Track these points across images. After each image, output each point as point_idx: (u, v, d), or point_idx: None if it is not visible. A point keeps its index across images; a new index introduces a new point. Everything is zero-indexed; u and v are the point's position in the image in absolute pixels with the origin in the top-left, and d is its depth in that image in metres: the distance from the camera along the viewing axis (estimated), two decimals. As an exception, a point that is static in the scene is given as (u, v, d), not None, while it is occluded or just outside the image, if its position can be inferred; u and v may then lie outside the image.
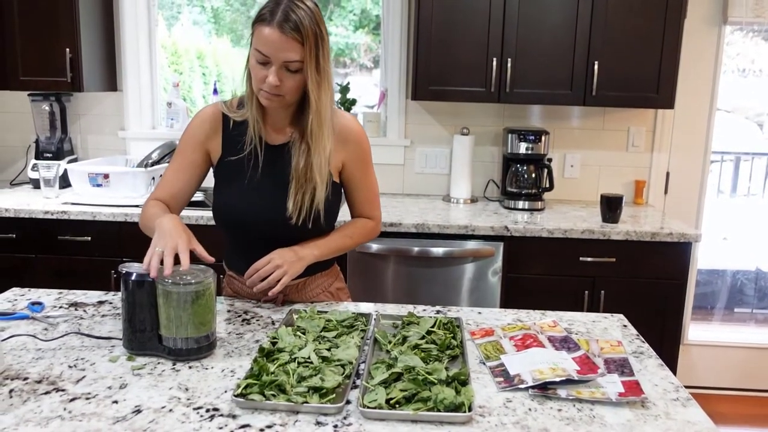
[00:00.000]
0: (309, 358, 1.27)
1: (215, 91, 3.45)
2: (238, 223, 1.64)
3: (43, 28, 2.97)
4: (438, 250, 2.68)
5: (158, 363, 1.31)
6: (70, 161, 3.21)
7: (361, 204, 1.75)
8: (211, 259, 1.40)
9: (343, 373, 1.23)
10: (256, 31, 1.47)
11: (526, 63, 2.88)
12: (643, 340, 1.52)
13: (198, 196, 2.97)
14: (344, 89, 3.28)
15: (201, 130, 1.66)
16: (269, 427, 1.07)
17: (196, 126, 1.67)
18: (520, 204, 3.03)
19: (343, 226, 1.74)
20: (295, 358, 1.27)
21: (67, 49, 2.96)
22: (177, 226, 1.41)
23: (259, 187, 1.61)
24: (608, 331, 1.56)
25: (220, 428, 1.07)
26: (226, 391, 1.19)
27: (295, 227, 1.59)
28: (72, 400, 1.15)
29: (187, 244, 1.36)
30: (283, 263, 1.54)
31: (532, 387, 1.22)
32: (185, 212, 2.60)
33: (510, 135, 3.04)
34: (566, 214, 2.94)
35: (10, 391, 1.17)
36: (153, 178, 2.90)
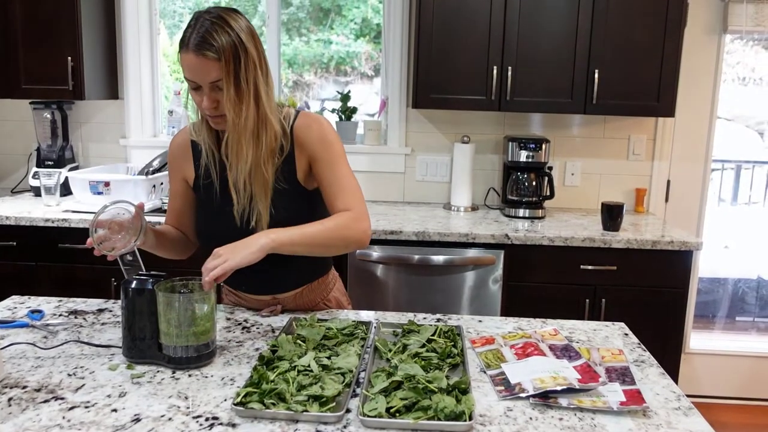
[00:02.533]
0: (309, 366, 1.27)
1: (216, 100, 3.46)
2: (213, 243, 1.62)
3: (45, 37, 2.98)
4: (438, 258, 2.67)
5: (158, 371, 1.30)
6: (71, 169, 3.21)
7: (334, 198, 1.57)
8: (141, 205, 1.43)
9: (343, 382, 1.23)
10: (180, 56, 1.45)
11: (527, 71, 2.88)
12: (645, 348, 1.51)
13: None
14: (345, 98, 3.29)
15: (175, 160, 1.69)
16: (269, 435, 1.07)
17: (171, 156, 1.70)
18: (521, 212, 3.03)
19: None
20: (294, 367, 1.26)
21: (69, 58, 2.97)
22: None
23: (225, 208, 1.58)
24: (609, 339, 1.56)
25: (220, 437, 1.06)
26: (225, 400, 1.19)
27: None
28: (71, 408, 1.14)
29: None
30: (223, 253, 1.39)
31: (533, 396, 1.21)
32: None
33: (510, 143, 3.04)
34: (567, 222, 2.94)
35: (9, 399, 1.17)
36: (154, 186, 2.90)
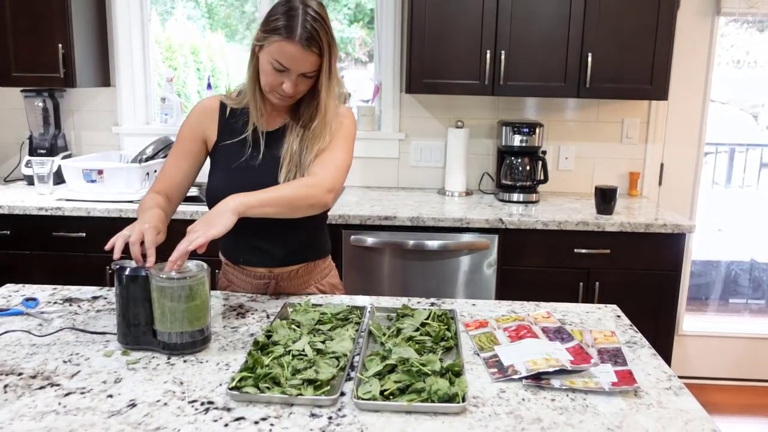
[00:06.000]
0: (303, 350, 1.28)
1: (209, 86, 3.44)
2: None
3: (36, 24, 2.95)
4: (433, 243, 2.68)
5: (153, 357, 1.31)
6: (64, 157, 3.20)
7: (316, 161, 1.61)
8: (148, 263, 1.35)
9: (338, 366, 1.23)
10: (274, 43, 1.52)
11: (520, 55, 2.88)
12: (636, 330, 1.52)
13: (192, 191, 2.96)
14: (338, 83, 3.27)
15: (198, 121, 1.71)
16: (264, 419, 1.08)
17: (194, 116, 1.72)
18: (515, 196, 3.03)
19: None
20: (289, 351, 1.27)
21: (60, 45, 2.95)
22: (152, 219, 1.46)
23: (250, 169, 1.65)
24: (602, 321, 1.57)
25: (215, 421, 1.07)
26: (220, 385, 1.20)
27: None
28: (67, 394, 1.15)
29: (153, 231, 1.40)
30: (199, 228, 1.38)
31: (526, 377, 1.22)
32: (181, 207, 2.59)
33: (504, 128, 3.04)
34: (561, 206, 2.95)
35: (5, 386, 1.18)
36: (147, 174, 2.89)
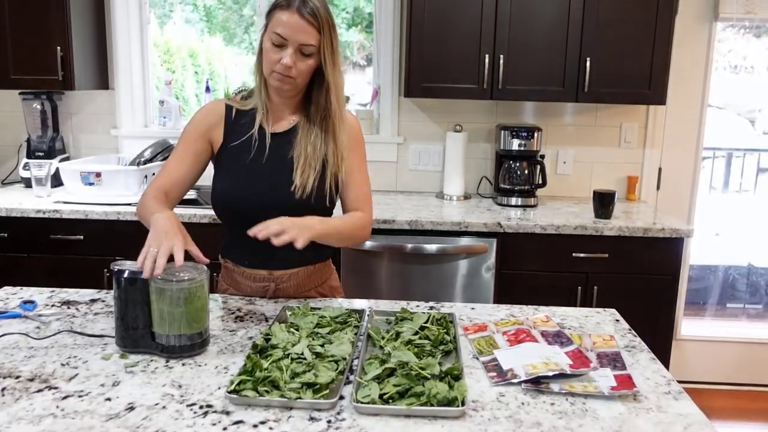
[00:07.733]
0: (302, 354, 1.27)
1: (207, 89, 3.44)
2: (236, 205, 1.66)
3: (34, 27, 2.95)
4: (431, 247, 2.68)
5: (151, 360, 1.30)
6: (62, 160, 3.20)
7: (354, 198, 1.72)
8: (206, 260, 1.39)
9: (337, 369, 1.23)
10: (275, 16, 1.56)
11: (519, 59, 2.88)
12: (635, 334, 1.52)
13: (191, 195, 2.97)
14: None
15: (204, 121, 1.72)
16: (263, 422, 1.07)
17: (200, 117, 1.73)
18: (513, 200, 3.03)
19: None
20: (288, 355, 1.27)
21: (58, 48, 2.95)
22: (173, 226, 1.42)
23: (258, 170, 1.65)
24: (601, 325, 1.57)
25: (214, 424, 1.07)
26: (219, 388, 1.19)
27: (295, 209, 1.59)
28: (65, 397, 1.14)
29: (182, 245, 1.36)
30: (291, 226, 1.45)
31: (525, 381, 1.22)
32: (179, 210, 2.59)
33: (503, 132, 3.04)
34: (559, 210, 2.95)
35: (3, 389, 1.17)
36: (145, 176, 2.89)
